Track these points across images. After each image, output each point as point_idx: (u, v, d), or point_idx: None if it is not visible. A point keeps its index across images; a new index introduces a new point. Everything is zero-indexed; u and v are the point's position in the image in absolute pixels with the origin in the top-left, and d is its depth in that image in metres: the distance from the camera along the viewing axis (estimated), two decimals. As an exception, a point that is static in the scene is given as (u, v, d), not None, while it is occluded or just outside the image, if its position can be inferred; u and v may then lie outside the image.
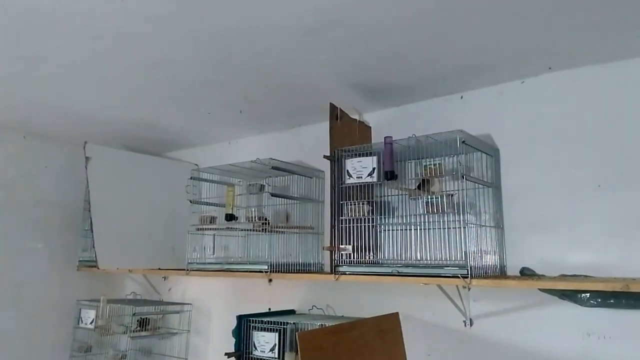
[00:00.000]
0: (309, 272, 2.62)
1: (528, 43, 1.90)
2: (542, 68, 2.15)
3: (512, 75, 2.22)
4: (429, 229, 2.05)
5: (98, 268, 2.90)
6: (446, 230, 2.00)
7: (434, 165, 2.12)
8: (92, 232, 2.91)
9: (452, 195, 2.01)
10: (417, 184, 2.19)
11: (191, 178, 2.88)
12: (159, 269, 3.15)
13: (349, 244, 2.20)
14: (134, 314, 3.15)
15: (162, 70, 2.22)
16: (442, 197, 2.01)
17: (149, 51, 2.02)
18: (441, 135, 2.00)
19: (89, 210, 2.97)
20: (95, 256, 2.89)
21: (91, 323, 3.21)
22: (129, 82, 2.39)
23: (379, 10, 1.68)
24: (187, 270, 2.80)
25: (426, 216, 2.04)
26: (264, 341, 2.42)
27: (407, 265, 2.05)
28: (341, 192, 2.24)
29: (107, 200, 3.03)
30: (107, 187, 3.05)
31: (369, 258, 2.22)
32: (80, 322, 3.30)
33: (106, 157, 3.11)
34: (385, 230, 2.28)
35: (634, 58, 1.99)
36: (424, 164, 2.17)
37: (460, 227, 1.90)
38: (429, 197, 2.05)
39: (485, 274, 1.96)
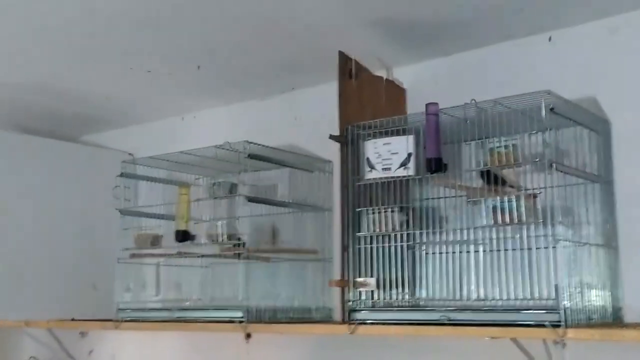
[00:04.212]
0: (309, 321, 2.64)
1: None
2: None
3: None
4: (497, 250, 2.07)
5: (-24, 320, 2.92)
6: (525, 251, 2.02)
7: (506, 148, 2.12)
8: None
9: (535, 195, 2.01)
10: (478, 180, 2.19)
11: (122, 175, 2.89)
12: (73, 319, 3.17)
13: (371, 276, 2.23)
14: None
15: (74, 4, 2.23)
16: (518, 199, 2.01)
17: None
18: (517, 100, 2.00)
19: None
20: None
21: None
22: (20, 26, 2.40)
23: None
24: (117, 320, 2.81)
25: (493, 230, 2.06)
26: None
27: (462, 309, 2.07)
28: (359, 194, 2.27)
29: (-10, 211, 3.05)
30: (-11, 191, 3.08)
31: (403, 298, 2.24)
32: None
33: (-12, 143, 3.14)
34: (428, 253, 2.30)
35: None
36: (489, 146, 2.17)
37: (548, 247, 1.92)
38: (498, 199, 2.05)
39: (588, 320, 1.96)
